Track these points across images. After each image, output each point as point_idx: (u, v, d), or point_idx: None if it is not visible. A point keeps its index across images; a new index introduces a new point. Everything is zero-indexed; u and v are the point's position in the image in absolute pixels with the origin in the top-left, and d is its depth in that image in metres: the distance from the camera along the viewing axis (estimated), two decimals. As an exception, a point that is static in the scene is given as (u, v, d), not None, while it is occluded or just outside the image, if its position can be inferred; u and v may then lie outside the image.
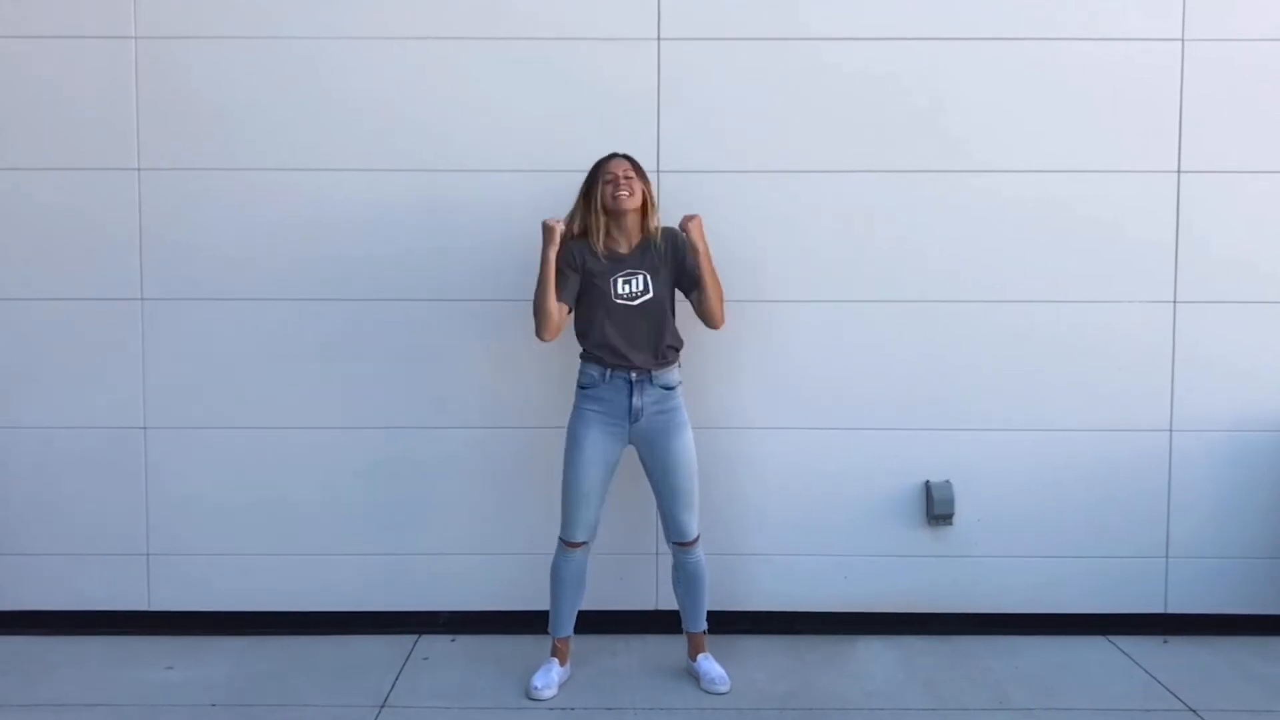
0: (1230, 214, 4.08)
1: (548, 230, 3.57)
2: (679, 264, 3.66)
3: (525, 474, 4.10)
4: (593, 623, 3.91)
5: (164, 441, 4.12)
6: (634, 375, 3.58)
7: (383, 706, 3.57)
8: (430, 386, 4.11)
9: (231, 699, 3.61)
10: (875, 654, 3.99)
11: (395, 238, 4.07)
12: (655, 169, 4.01)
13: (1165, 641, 4.10)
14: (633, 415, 3.59)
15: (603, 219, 3.59)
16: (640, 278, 3.59)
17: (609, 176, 3.59)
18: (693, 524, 3.67)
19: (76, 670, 3.82)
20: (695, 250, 3.62)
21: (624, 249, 3.62)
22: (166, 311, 4.09)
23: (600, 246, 3.59)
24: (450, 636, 4.12)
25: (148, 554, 4.15)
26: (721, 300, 3.69)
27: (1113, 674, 3.83)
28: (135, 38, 4.04)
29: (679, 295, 3.73)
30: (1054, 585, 4.15)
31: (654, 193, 3.70)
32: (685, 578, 3.73)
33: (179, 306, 4.09)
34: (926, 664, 3.90)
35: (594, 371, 3.61)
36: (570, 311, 3.65)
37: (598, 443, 3.59)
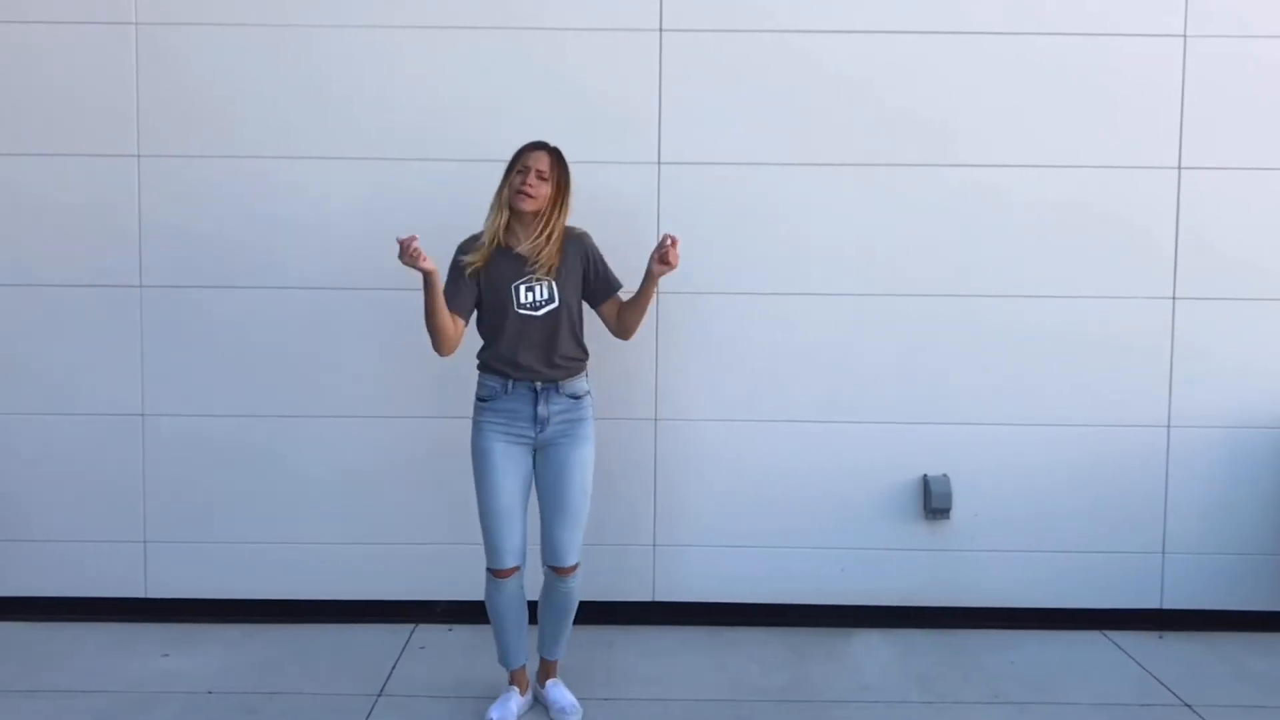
0: (1230, 210, 4.08)
1: (405, 252, 3.18)
2: (584, 274, 3.38)
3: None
4: (590, 614, 3.90)
5: (162, 429, 4.11)
6: (539, 385, 3.30)
7: (379, 695, 3.57)
8: (429, 376, 4.09)
9: (228, 687, 3.61)
10: (871, 647, 3.99)
11: (395, 226, 4.05)
12: (656, 160, 4.01)
13: (1161, 637, 4.11)
14: (539, 424, 3.30)
15: (505, 214, 3.31)
16: (544, 285, 3.29)
17: (521, 168, 3.29)
18: (573, 548, 3.33)
19: (74, 657, 3.82)
20: (653, 277, 3.32)
21: (523, 249, 3.30)
22: (165, 298, 4.08)
23: (499, 241, 3.30)
24: (447, 626, 4.13)
25: (145, 541, 4.15)
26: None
27: (1108, 669, 3.84)
28: (136, 24, 4.03)
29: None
30: (1050, 580, 4.16)
31: (570, 195, 3.34)
32: (554, 607, 3.42)
33: (178, 294, 4.08)
34: (922, 658, 3.90)
35: (494, 383, 3.31)
36: (467, 321, 3.38)
37: (507, 455, 3.30)
